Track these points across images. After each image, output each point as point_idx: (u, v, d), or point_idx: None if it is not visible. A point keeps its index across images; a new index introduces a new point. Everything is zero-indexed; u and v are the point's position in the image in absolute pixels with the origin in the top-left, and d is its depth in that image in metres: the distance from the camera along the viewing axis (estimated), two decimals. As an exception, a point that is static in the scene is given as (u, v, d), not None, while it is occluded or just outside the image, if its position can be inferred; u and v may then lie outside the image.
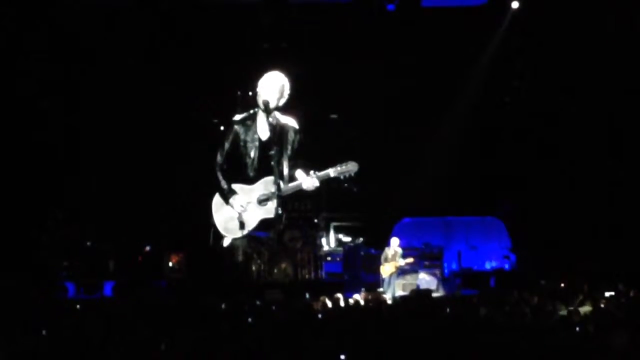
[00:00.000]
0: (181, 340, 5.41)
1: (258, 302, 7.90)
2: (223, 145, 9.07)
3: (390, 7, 15.85)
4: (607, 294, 9.76)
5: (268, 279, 10.76)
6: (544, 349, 5.18)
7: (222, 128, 9.41)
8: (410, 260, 15.15)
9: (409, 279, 15.38)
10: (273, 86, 9.00)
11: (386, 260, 15.13)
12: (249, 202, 8.75)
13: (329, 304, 8.43)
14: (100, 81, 15.78)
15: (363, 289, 12.85)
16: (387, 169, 16.76)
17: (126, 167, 15.77)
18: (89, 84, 15.89)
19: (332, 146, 13.50)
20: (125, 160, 15.77)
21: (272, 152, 8.79)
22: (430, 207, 17.60)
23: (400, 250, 15.21)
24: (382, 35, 16.14)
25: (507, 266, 16.96)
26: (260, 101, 8.98)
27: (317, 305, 8.14)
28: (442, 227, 18.26)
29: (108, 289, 13.57)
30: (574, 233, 15.62)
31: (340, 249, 16.20)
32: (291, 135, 9.07)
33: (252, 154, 9.01)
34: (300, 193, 8.93)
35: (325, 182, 8.86)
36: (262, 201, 8.78)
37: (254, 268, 9.72)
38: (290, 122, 9.11)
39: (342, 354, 5.11)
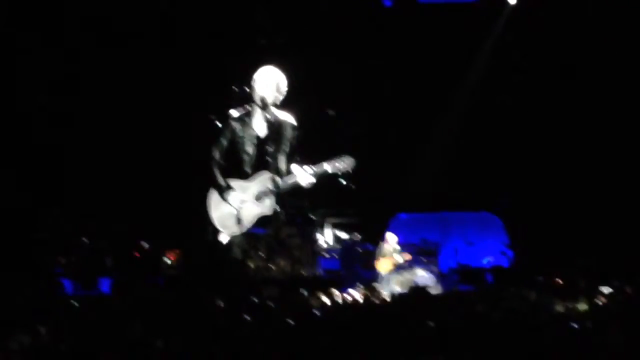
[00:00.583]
0: (178, 337, 5.40)
1: (255, 299, 7.90)
2: (220, 141, 9.07)
3: (388, 3, 15.86)
4: (604, 291, 9.75)
5: (265, 276, 10.75)
6: (541, 345, 5.19)
7: (218, 124, 9.39)
8: (406, 256, 15.15)
9: (406, 275, 15.36)
10: (269, 81, 9.01)
11: (382, 256, 15.12)
12: (245, 199, 8.75)
13: (326, 300, 8.43)
14: (95, 78, 15.74)
15: (360, 285, 12.84)
16: (384, 165, 16.75)
17: (122, 162, 15.74)
18: (84, 81, 15.85)
19: (329, 142, 13.49)
20: (122, 156, 15.74)
21: (269, 148, 8.80)
22: (427, 203, 17.61)
23: (397, 247, 15.21)
24: (379, 30, 16.13)
25: (504, 262, 16.95)
26: (256, 97, 8.97)
27: (314, 302, 8.14)
28: (438, 223, 18.25)
29: (105, 285, 13.54)
30: (571, 229, 15.63)
31: (337, 245, 16.21)
32: (288, 131, 9.08)
33: (248, 150, 9.01)
34: (296, 189, 8.93)
35: (322, 177, 8.85)
36: (259, 197, 8.78)
37: (251, 265, 9.71)
38: (287, 117, 9.11)
39: (337, 350, 5.12)
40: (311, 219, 15.42)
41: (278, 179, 8.79)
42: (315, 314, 6.93)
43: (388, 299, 9.53)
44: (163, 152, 15.76)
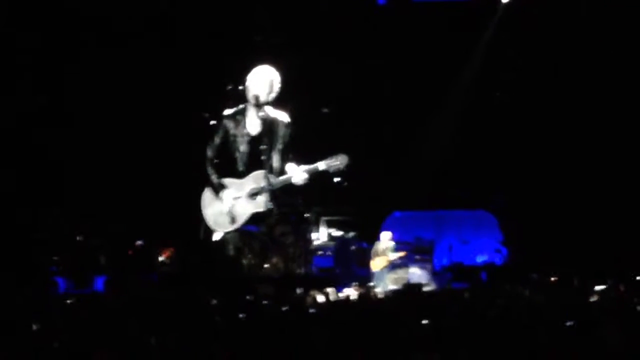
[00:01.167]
0: (172, 335, 5.40)
1: (249, 297, 7.89)
2: (213, 139, 9.08)
3: (381, 1, 15.87)
4: (597, 288, 9.77)
5: (259, 274, 10.74)
6: (535, 343, 5.19)
7: (212, 122, 9.39)
8: (401, 254, 15.17)
9: (400, 273, 15.39)
10: (262, 80, 9.01)
11: (377, 254, 15.14)
12: (239, 196, 8.76)
13: (320, 298, 8.42)
14: (90, 77, 15.71)
15: (354, 283, 12.85)
16: (378, 163, 16.77)
17: (116, 161, 15.72)
18: (80, 81, 15.83)
19: (323, 140, 13.49)
20: (116, 154, 15.73)
21: (263, 147, 8.80)
22: (422, 200, 17.63)
23: (391, 244, 15.23)
24: (373, 29, 16.14)
25: (498, 260, 16.98)
26: (250, 95, 8.98)
27: (308, 300, 8.14)
28: (433, 221, 18.29)
29: (99, 283, 13.53)
30: (565, 227, 15.66)
31: (331, 243, 16.21)
32: (282, 129, 9.08)
33: (242, 149, 9.02)
34: (290, 187, 8.94)
35: (316, 175, 8.86)
36: (252, 195, 8.79)
37: (244, 262, 9.70)
38: (281, 116, 9.11)
39: (332, 348, 5.11)
40: (305, 216, 15.42)
41: (272, 176, 8.79)
42: (309, 312, 6.93)
43: (382, 297, 9.53)
44: (157, 151, 15.75)
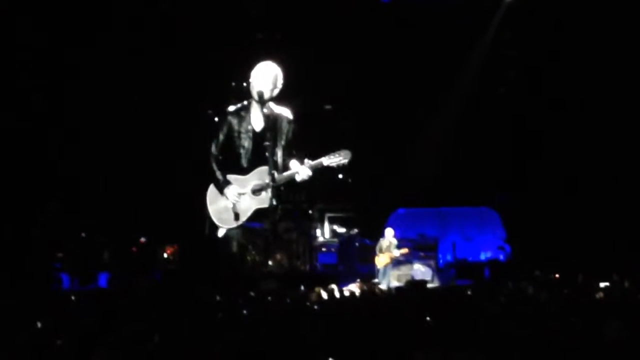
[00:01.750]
0: (175, 332, 5.40)
1: (252, 293, 7.89)
2: (217, 136, 9.07)
3: (385, -1, 15.88)
4: (602, 285, 9.76)
5: (263, 270, 10.75)
6: (538, 340, 5.18)
7: (216, 119, 9.40)
8: (405, 251, 15.17)
9: (404, 270, 15.42)
10: (266, 76, 9.00)
11: (381, 251, 15.14)
12: (243, 193, 8.75)
13: (324, 295, 8.42)
14: (94, 72, 15.71)
15: (358, 280, 12.86)
16: (382, 160, 16.76)
17: (121, 158, 15.72)
18: (83, 75, 15.82)
19: (327, 137, 13.50)
20: (120, 151, 15.73)
21: (267, 143, 8.79)
22: (425, 197, 17.62)
23: (395, 241, 15.23)
24: (377, 25, 16.12)
25: (501, 257, 16.98)
26: (254, 92, 8.97)
27: (312, 297, 8.14)
28: (437, 218, 18.30)
29: (103, 280, 13.55)
30: (568, 224, 15.64)
31: (334, 239, 16.22)
32: (285, 126, 9.07)
33: (246, 145, 9.01)
34: (294, 183, 8.92)
35: (319, 171, 8.85)
36: (256, 191, 8.78)
37: (248, 259, 9.69)
38: (285, 112, 9.10)
39: (336, 344, 5.11)
40: (309, 213, 15.44)
41: (275, 173, 8.79)
42: (313, 309, 6.93)
43: (386, 294, 9.54)
44: (161, 148, 15.75)
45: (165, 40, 15.70)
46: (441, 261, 16.46)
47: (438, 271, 15.70)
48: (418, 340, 5.14)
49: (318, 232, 15.97)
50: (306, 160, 8.75)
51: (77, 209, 15.27)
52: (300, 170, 8.71)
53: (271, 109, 8.95)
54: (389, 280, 14.84)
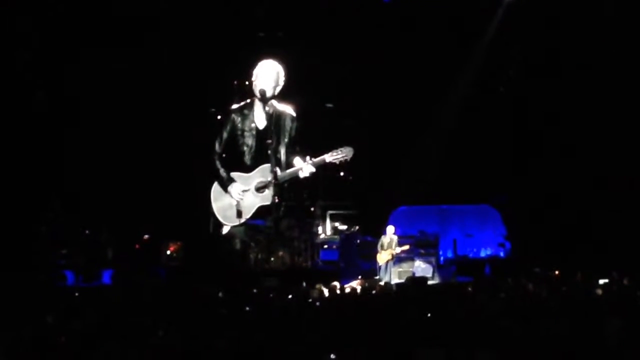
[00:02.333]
0: (179, 328, 5.46)
1: (255, 290, 7.95)
2: (221, 134, 9.14)
3: (387, -1, 15.92)
4: (601, 282, 9.81)
5: (265, 267, 10.81)
6: (538, 336, 5.24)
7: (219, 117, 9.45)
8: (406, 247, 15.19)
9: (405, 267, 15.43)
10: (269, 74, 9.06)
11: (382, 248, 15.17)
12: (246, 190, 8.81)
13: (326, 291, 8.48)
14: (96, 71, 15.74)
15: (359, 277, 12.90)
16: (383, 158, 16.78)
17: (125, 156, 15.75)
18: (86, 74, 15.85)
19: (329, 134, 13.53)
20: (124, 149, 15.75)
21: (269, 140, 8.85)
22: (426, 195, 17.63)
23: (396, 238, 15.25)
24: (377, 23, 16.14)
25: (502, 254, 17.01)
26: (256, 90, 9.03)
27: (314, 293, 8.20)
28: (437, 215, 18.32)
29: (107, 277, 13.59)
30: (568, 221, 15.67)
31: (336, 237, 16.23)
32: (288, 123, 9.14)
33: (249, 143, 9.08)
34: (296, 181, 8.98)
35: (322, 168, 8.91)
36: (259, 189, 8.85)
37: (251, 256, 9.76)
38: (287, 110, 9.17)
39: (337, 341, 5.17)
40: (311, 210, 15.47)
41: (278, 170, 8.84)
42: (314, 305, 6.98)
43: (387, 290, 9.59)
44: (164, 146, 15.77)
45: (168, 39, 15.72)
46: (442, 258, 16.48)
47: (439, 268, 15.70)
48: (419, 336, 5.20)
49: (320, 229, 15.98)
50: (308, 157, 8.81)
51: (81, 207, 15.30)
52: (304, 167, 8.77)
53: (274, 107, 9.02)
54: (391, 277, 14.87)
